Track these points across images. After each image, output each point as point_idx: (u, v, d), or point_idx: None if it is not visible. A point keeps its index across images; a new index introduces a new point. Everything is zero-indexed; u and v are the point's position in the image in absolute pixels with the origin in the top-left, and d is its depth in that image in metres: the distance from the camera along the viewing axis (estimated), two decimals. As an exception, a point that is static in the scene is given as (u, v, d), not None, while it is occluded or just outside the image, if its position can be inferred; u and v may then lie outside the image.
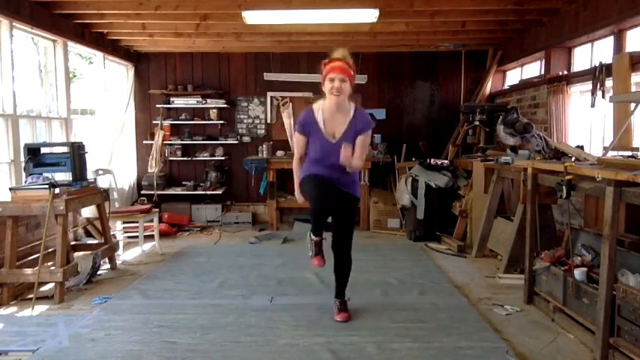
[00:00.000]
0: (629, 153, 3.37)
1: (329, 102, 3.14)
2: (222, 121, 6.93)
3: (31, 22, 4.53)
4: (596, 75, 4.07)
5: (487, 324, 3.21)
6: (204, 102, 6.82)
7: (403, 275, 4.30)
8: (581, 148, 3.75)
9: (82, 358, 2.78)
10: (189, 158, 6.96)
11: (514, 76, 6.45)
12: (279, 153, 6.68)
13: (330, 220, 3.25)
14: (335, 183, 3.19)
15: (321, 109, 3.19)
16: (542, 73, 5.31)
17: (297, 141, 3.30)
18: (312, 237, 3.23)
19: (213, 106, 6.84)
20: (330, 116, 3.17)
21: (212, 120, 6.88)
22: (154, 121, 6.86)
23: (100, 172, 5.77)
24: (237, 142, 6.98)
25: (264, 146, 6.74)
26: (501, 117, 4.57)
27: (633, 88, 3.74)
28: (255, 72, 6.97)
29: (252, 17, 4.89)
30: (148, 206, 5.47)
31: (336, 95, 3.07)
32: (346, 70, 3.07)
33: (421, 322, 3.24)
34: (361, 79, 6.81)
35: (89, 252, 4.33)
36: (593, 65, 4.30)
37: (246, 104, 7.04)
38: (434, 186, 5.63)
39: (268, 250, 5.35)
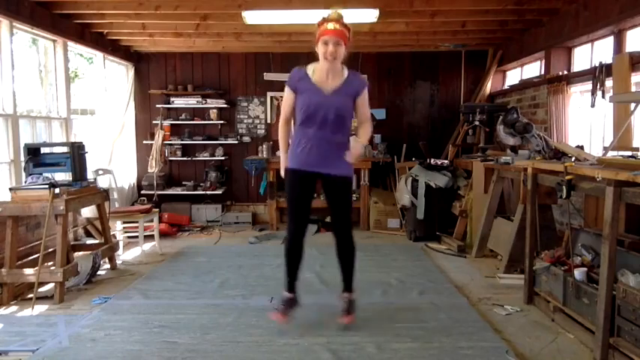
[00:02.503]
0: (629, 153, 3.37)
1: (321, 65, 2.99)
2: (222, 121, 6.92)
3: (31, 22, 4.53)
4: (596, 75, 4.07)
5: (487, 324, 3.21)
6: (204, 102, 6.82)
7: (403, 275, 4.30)
8: (581, 148, 3.75)
9: (82, 358, 2.78)
10: (189, 158, 6.96)
11: (514, 76, 6.45)
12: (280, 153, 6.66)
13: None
14: (325, 163, 3.02)
15: (312, 69, 3.04)
16: (542, 73, 5.31)
17: (285, 100, 3.11)
18: (284, 292, 3.20)
19: (213, 106, 6.85)
20: (322, 79, 3.01)
21: (212, 120, 6.88)
22: (154, 121, 6.86)
23: (100, 172, 5.77)
24: (237, 142, 6.98)
25: (264, 146, 6.74)
26: (501, 117, 4.57)
27: (633, 88, 3.74)
28: (255, 72, 6.96)
29: (252, 17, 4.89)
30: (148, 206, 5.47)
31: (330, 60, 2.91)
32: (342, 33, 2.89)
33: (421, 322, 3.24)
34: (361, 79, 6.80)
35: (89, 252, 4.33)
36: (593, 65, 4.30)
37: (246, 104, 7.04)
38: (434, 186, 5.63)
39: (268, 250, 5.35)
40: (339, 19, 2.91)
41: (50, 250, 4.05)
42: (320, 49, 2.94)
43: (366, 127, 3.16)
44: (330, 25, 2.89)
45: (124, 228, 5.50)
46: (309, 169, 3.07)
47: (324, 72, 3.01)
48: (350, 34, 2.97)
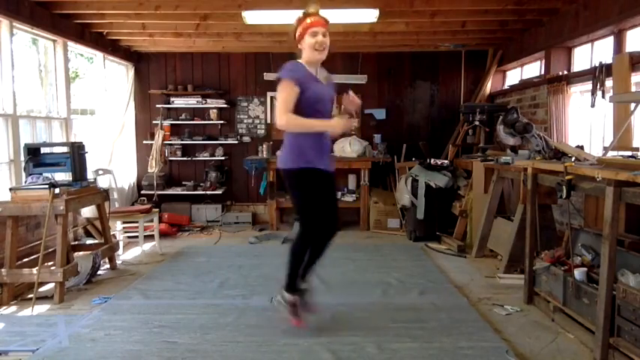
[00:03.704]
0: (629, 153, 3.37)
1: (310, 58, 2.91)
2: (222, 121, 6.93)
3: (31, 22, 4.53)
4: (596, 75, 4.07)
5: (487, 324, 3.21)
6: (204, 102, 6.82)
7: (403, 275, 4.30)
8: (581, 148, 3.75)
9: (82, 358, 2.78)
10: (189, 158, 6.96)
11: (514, 76, 6.45)
12: (279, 153, 6.66)
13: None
14: (329, 160, 3.07)
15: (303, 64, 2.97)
16: (542, 73, 5.31)
17: (289, 93, 2.81)
18: (287, 295, 3.04)
19: (213, 106, 6.85)
20: (312, 71, 2.97)
21: (212, 120, 6.88)
22: (154, 121, 6.86)
23: (100, 172, 5.77)
24: (237, 142, 6.98)
25: (264, 146, 6.74)
26: (501, 117, 4.56)
27: (633, 88, 3.74)
28: (255, 72, 6.97)
29: (252, 17, 4.89)
30: (148, 206, 5.47)
31: (320, 50, 2.87)
32: (327, 25, 2.88)
33: (421, 322, 3.24)
34: (361, 79, 6.81)
35: (89, 252, 4.33)
36: (593, 65, 4.30)
37: (246, 104, 7.04)
38: (434, 186, 5.62)
39: (268, 250, 5.35)
40: (318, 14, 2.89)
41: (50, 250, 4.05)
42: (309, 41, 2.86)
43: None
44: (317, 17, 2.87)
45: (124, 228, 5.50)
46: (327, 169, 3.03)
47: (314, 64, 2.96)
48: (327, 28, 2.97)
